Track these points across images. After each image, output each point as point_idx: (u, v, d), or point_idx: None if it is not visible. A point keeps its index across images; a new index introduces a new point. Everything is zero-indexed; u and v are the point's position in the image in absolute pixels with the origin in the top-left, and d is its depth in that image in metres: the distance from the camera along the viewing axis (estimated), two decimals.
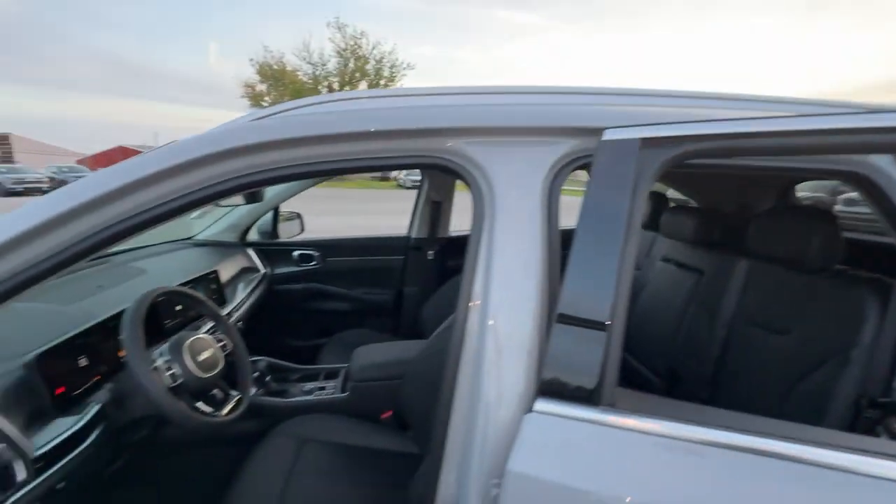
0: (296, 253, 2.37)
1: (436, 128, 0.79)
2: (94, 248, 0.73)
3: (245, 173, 0.76)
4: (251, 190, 0.78)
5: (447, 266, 2.48)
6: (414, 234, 2.41)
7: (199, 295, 1.29)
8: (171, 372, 1.03)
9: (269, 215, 2.37)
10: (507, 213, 0.76)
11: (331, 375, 1.68)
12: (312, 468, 1.22)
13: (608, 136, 0.75)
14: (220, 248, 2.16)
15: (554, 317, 0.71)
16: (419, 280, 2.41)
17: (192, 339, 1.12)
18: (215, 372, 1.14)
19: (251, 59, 25.10)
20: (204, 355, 1.13)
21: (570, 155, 0.78)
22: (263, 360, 1.61)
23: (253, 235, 2.37)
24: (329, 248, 2.40)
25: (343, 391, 1.57)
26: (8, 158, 26.80)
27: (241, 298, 1.89)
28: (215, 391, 1.18)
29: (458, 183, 1.93)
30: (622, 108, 0.79)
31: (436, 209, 2.33)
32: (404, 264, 2.43)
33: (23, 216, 0.70)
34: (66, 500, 0.97)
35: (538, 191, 0.77)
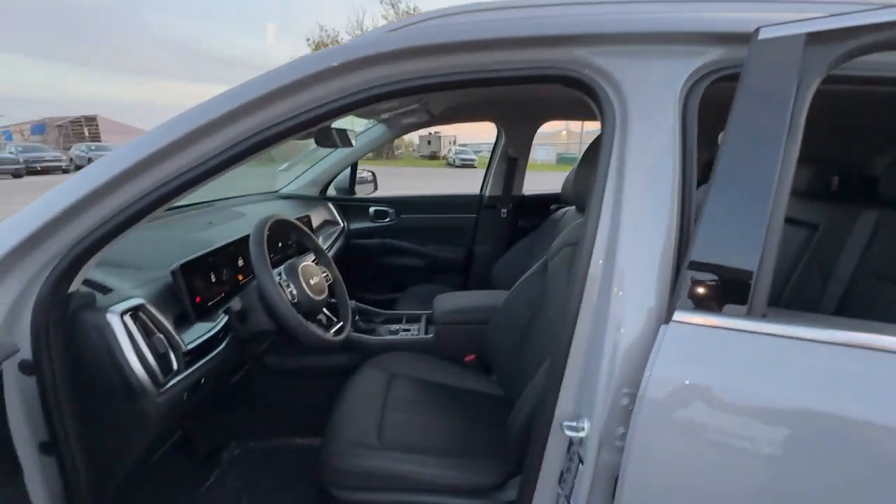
0: (372, 209, 2.44)
1: (565, 35, 0.76)
2: (230, 160, 0.77)
3: (381, 83, 0.77)
4: (383, 101, 0.80)
5: (520, 225, 2.46)
6: (487, 192, 2.39)
7: (306, 229, 1.37)
8: (289, 290, 1.11)
9: (347, 172, 2.45)
10: (641, 130, 0.73)
11: (412, 320, 1.73)
12: (403, 400, 1.27)
13: (765, 34, 0.68)
14: (304, 200, 2.27)
15: (691, 230, 0.68)
16: (491, 238, 2.41)
17: (303, 264, 1.19)
18: (323, 297, 1.20)
19: (308, 39, 25.69)
20: (314, 280, 1.20)
21: (713, 65, 0.73)
22: (351, 302, 1.68)
23: (331, 192, 2.46)
24: (403, 205, 2.45)
25: (427, 334, 1.61)
26: (95, 138, 29.45)
27: (325, 248, 1.98)
28: (321, 316, 1.26)
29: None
30: (777, 14, 0.72)
31: (511, 166, 2.30)
32: (476, 222, 2.43)
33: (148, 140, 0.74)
34: (202, 398, 1.08)
35: (675, 107, 0.72)
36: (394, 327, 1.66)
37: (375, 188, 2.68)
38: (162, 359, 0.88)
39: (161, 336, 0.88)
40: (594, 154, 1.10)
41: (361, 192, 2.58)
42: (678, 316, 0.67)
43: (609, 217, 0.75)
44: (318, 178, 2.30)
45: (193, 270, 1.07)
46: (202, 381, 1.00)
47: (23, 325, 0.75)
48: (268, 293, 1.01)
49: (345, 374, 1.44)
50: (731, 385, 0.64)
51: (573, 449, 0.79)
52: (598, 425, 0.72)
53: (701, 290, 0.68)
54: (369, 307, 1.79)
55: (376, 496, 1.03)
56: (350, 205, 2.45)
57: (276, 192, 2.32)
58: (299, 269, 1.16)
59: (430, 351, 1.57)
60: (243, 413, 1.62)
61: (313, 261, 1.33)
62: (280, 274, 1.13)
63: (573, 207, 2.04)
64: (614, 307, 0.72)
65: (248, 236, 1.37)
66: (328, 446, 1.07)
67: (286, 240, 1.52)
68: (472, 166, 23.64)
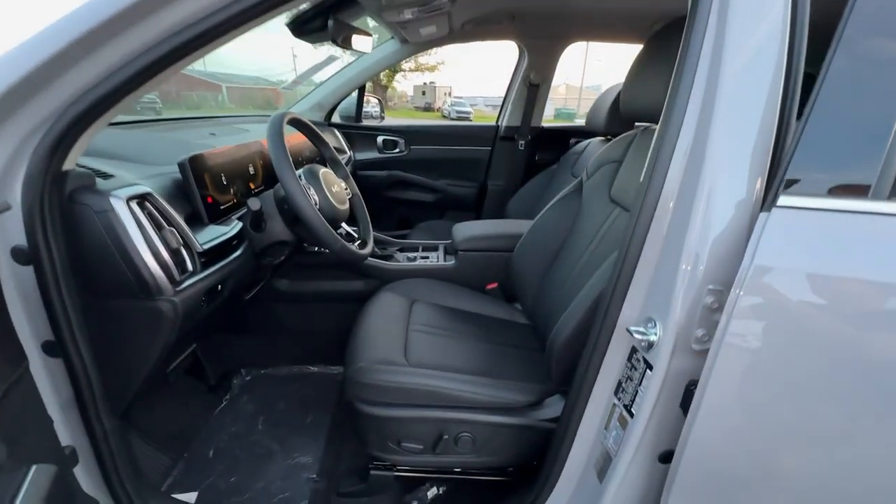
0: (380, 139, 2.28)
1: None
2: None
3: None
4: None
5: (536, 159, 2.33)
6: (504, 123, 2.24)
7: (322, 134, 1.23)
8: (311, 195, 1.00)
9: (353, 99, 2.26)
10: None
11: (429, 249, 1.64)
12: (426, 323, 1.21)
13: None
14: None
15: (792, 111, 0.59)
16: (506, 172, 2.29)
17: (323, 170, 1.07)
18: (344, 208, 1.10)
19: None
20: (335, 188, 1.08)
21: None
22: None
23: (336, 119, 2.29)
24: (414, 135, 2.29)
25: (446, 262, 1.53)
26: None
27: None
28: (341, 230, 1.16)
29: None
30: None
31: (532, 93, 2.14)
32: (491, 155, 2.30)
33: None
34: (219, 308, 1.00)
35: None
36: (411, 255, 1.57)
37: (382, 117, 2.51)
38: (175, 255, 0.78)
39: (173, 230, 0.77)
40: (655, 53, 0.97)
41: (369, 118, 2.41)
42: (783, 201, 0.59)
43: (699, 104, 0.65)
44: (323, 102, 2.13)
45: (203, 167, 0.95)
46: (219, 287, 0.91)
47: (13, 203, 0.64)
48: (292, 192, 0.90)
49: (360, 300, 1.36)
50: (846, 273, 0.57)
51: (636, 356, 0.73)
52: (674, 328, 0.65)
53: (813, 171, 0.59)
54: (383, 235, 1.69)
55: (406, 412, 0.98)
56: (357, 133, 2.29)
57: None
58: (320, 174, 1.04)
59: (451, 279, 1.49)
60: (254, 340, 1.56)
61: None
62: (300, 177, 1.02)
63: (595, 139, 1.91)
64: (699, 202, 0.63)
65: (257, 143, 1.24)
66: (353, 365, 1.01)
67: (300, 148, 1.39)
68: (468, 119, 22.93)
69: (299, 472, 1.20)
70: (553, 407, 1.01)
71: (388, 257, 1.54)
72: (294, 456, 1.25)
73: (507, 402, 0.99)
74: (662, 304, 0.67)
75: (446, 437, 0.98)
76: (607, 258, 1.01)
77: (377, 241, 1.65)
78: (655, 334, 0.68)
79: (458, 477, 1.16)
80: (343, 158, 2.09)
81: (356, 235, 1.18)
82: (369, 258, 1.48)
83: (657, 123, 1.08)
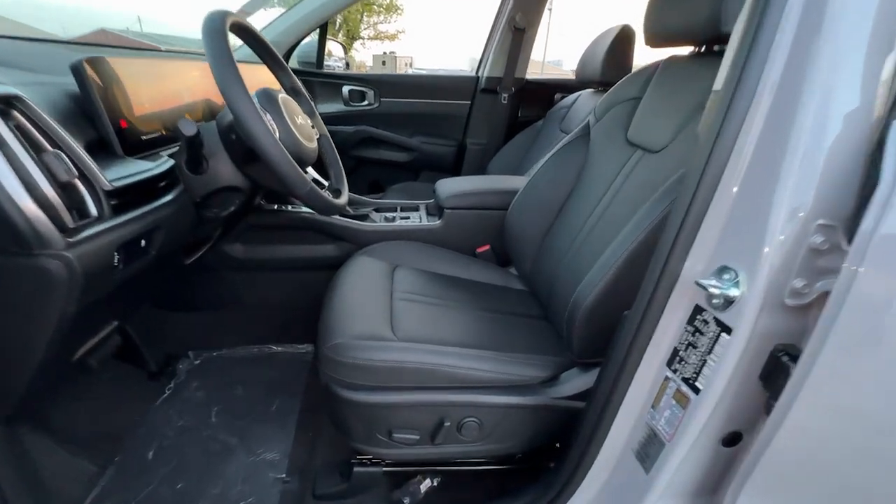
0: (346, 89, 2.01)
1: None
2: None
3: None
4: None
5: (520, 116, 2.14)
6: (485, 73, 2.03)
7: (281, 59, 0.98)
8: (268, 119, 0.76)
9: (313, 42, 1.97)
10: None
11: (408, 209, 1.44)
12: (412, 291, 1.02)
13: None
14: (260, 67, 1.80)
15: None
16: (487, 129, 2.08)
17: (283, 95, 0.83)
18: (312, 147, 0.87)
19: None
20: (299, 119, 0.85)
21: None
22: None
23: (293, 64, 1.99)
24: (386, 86, 2.03)
25: (431, 222, 1.33)
26: None
27: None
28: (309, 175, 0.93)
29: None
30: None
31: (517, 39, 1.92)
32: (471, 109, 2.08)
33: None
34: (145, 276, 0.76)
35: None
36: (389, 215, 1.36)
37: (348, 65, 2.23)
38: (68, 193, 0.54)
39: (60, 154, 0.53)
40: None
41: (333, 65, 2.13)
42: None
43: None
44: (277, 41, 1.82)
45: (111, 77, 0.69)
46: (142, 243, 0.67)
47: None
48: (243, 114, 0.66)
49: (331, 268, 1.15)
50: None
51: (703, 317, 0.57)
52: (764, 277, 0.50)
53: None
54: (355, 194, 1.46)
55: (398, 396, 0.79)
56: (318, 82, 2.00)
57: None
58: (279, 99, 0.81)
59: (436, 241, 1.30)
60: (204, 316, 1.31)
61: None
62: (255, 98, 0.78)
63: (586, 92, 1.74)
64: (806, 108, 0.47)
65: (196, 66, 0.97)
66: (329, 342, 0.81)
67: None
68: None
69: (265, 471, 1.00)
70: (571, 382, 0.85)
71: (363, 217, 1.32)
72: (258, 452, 1.04)
73: (519, 379, 0.83)
74: (747, 248, 0.51)
75: (448, 423, 0.80)
76: (634, 207, 0.85)
77: (350, 202, 1.42)
78: (737, 287, 0.52)
79: (455, 468, 1.00)
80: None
81: (326, 184, 0.95)
82: (341, 217, 1.25)
83: (694, 44, 0.93)
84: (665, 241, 0.59)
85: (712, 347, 0.56)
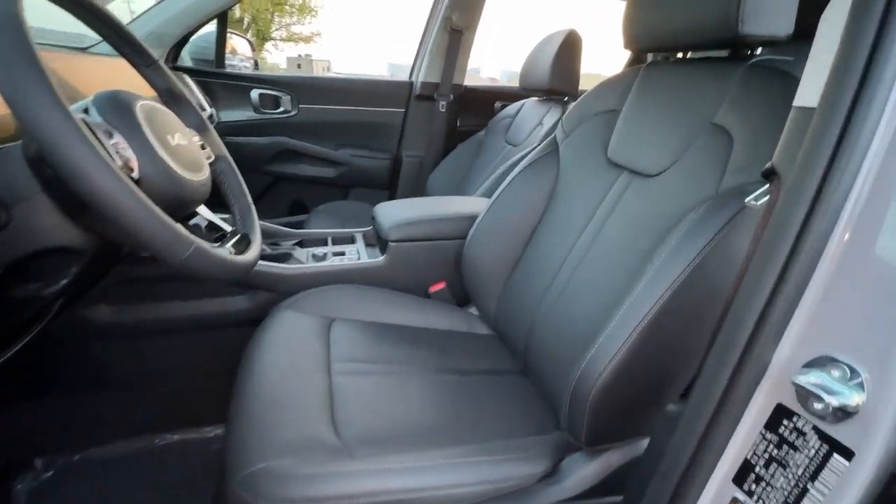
0: (256, 93, 1.68)
1: None
2: None
3: None
4: None
5: (460, 125, 1.96)
6: (420, 78, 1.81)
7: (142, 44, 0.67)
8: (116, 148, 0.47)
9: (211, 34, 1.62)
10: None
11: (342, 241, 1.18)
12: (358, 358, 0.78)
13: None
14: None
15: None
16: (423, 140, 1.87)
17: (142, 102, 0.54)
18: (201, 178, 0.59)
19: None
20: (177, 140, 0.57)
21: None
22: None
23: (186, 62, 1.62)
24: (305, 89, 1.74)
25: (370, 258, 1.09)
26: None
27: None
28: (197, 219, 0.64)
29: None
30: None
31: (455, 41, 1.74)
32: (405, 118, 1.86)
33: None
34: None
35: None
36: (318, 251, 1.08)
37: (256, 65, 1.89)
38: None
39: None
40: None
41: (236, 63, 1.79)
42: None
43: None
44: (161, 32, 1.45)
45: None
46: None
47: None
48: (53, 140, 0.37)
49: (244, 325, 0.87)
50: None
51: (797, 423, 0.41)
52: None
53: None
54: (275, 225, 1.17)
55: None
56: (219, 84, 1.65)
57: (85, 49, 1.40)
58: (136, 107, 0.52)
59: (380, 282, 1.06)
60: (59, 404, 0.94)
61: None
62: (86, 111, 0.49)
63: (529, 101, 1.61)
64: None
65: None
66: (242, 469, 0.54)
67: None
68: None
69: None
70: (577, 474, 0.66)
71: (284, 257, 1.04)
72: None
73: (511, 485, 0.62)
74: (877, 336, 0.35)
75: None
76: (634, 245, 0.69)
77: (266, 234, 1.13)
78: (859, 391, 0.36)
79: None
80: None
81: (228, 228, 0.67)
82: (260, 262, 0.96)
83: (694, 48, 0.79)
84: (738, 316, 0.42)
85: (817, 472, 0.39)
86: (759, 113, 0.60)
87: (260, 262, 0.96)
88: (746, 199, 0.54)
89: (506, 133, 1.61)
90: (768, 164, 0.43)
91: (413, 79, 1.85)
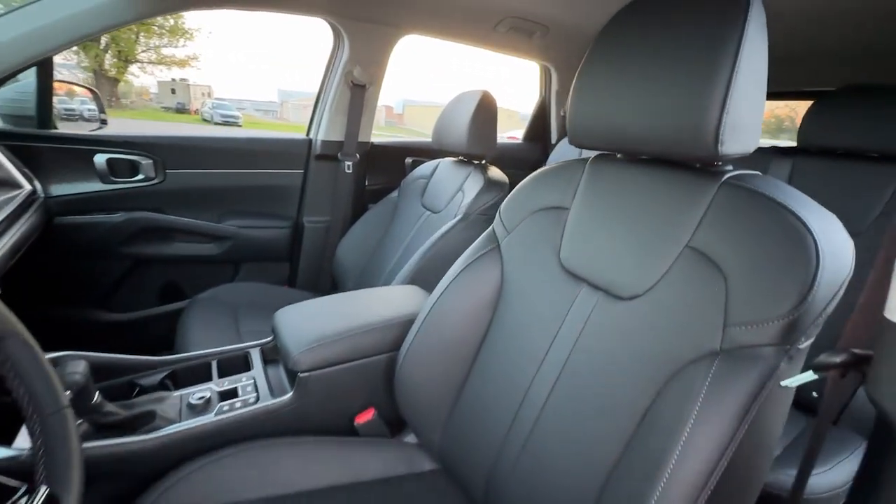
0: (102, 158, 1.31)
1: None
2: None
3: None
4: None
5: (368, 185, 1.76)
6: (320, 136, 1.59)
7: None
8: None
9: (31, 79, 1.22)
10: None
11: (232, 369, 0.90)
12: None
13: None
14: None
15: None
16: (327, 204, 1.64)
17: None
18: None
19: None
20: None
21: None
22: (73, 360, 0.71)
23: None
24: (172, 151, 1.40)
25: (276, 394, 0.83)
26: None
27: None
28: None
29: None
30: None
31: (358, 97, 1.56)
32: (305, 180, 1.61)
33: None
34: None
35: None
36: (196, 395, 0.79)
37: (103, 122, 1.50)
38: None
39: None
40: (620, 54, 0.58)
41: (76, 121, 1.39)
42: None
43: None
44: None
45: None
46: None
47: None
48: None
49: None
50: None
51: None
52: None
53: None
54: (120, 356, 0.85)
55: None
56: (48, 149, 1.25)
57: None
58: None
59: (290, 426, 0.81)
60: None
61: None
62: None
63: (446, 160, 1.50)
64: None
65: None
66: None
67: None
68: (236, 125, 20.20)
69: None
70: None
71: (143, 420, 0.73)
72: None
73: None
74: None
75: None
76: (625, 383, 0.56)
77: (109, 372, 0.81)
78: None
79: None
80: (13, 202, 1.07)
81: (13, 483, 0.38)
82: (96, 442, 0.65)
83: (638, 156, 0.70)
84: None
85: None
86: (750, 246, 0.51)
87: (102, 441, 0.66)
88: (783, 383, 0.44)
89: (422, 196, 1.46)
90: (834, 373, 0.32)
91: (312, 136, 1.61)
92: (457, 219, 1.25)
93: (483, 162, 1.40)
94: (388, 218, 1.56)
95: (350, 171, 1.60)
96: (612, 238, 0.65)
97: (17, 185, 1.11)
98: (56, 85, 1.43)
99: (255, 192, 1.55)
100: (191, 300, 1.33)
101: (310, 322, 0.89)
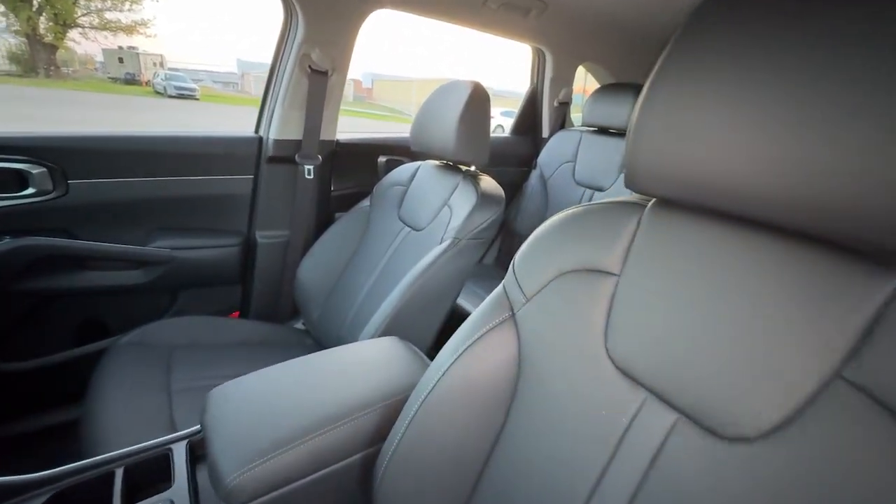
0: None
1: None
2: None
3: None
4: None
5: (334, 191, 1.49)
6: (272, 135, 1.30)
7: None
8: None
9: None
10: None
11: (145, 480, 0.66)
12: None
13: None
14: None
15: None
16: (287, 216, 1.37)
17: None
18: None
19: None
20: None
21: None
22: None
23: None
24: (77, 155, 1.09)
25: None
26: None
27: None
28: None
29: None
30: None
31: (318, 85, 1.26)
32: (255, 187, 1.33)
33: None
34: None
35: None
36: None
37: None
38: None
39: None
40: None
41: None
42: None
43: None
44: None
45: None
46: None
47: None
48: None
49: None
50: None
51: None
52: None
53: None
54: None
55: None
56: None
57: None
58: None
59: None
60: None
61: None
62: None
63: (429, 163, 1.25)
64: None
65: None
66: None
67: None
68: (193, 98, 18.83)
69: None
70: None
71: None
72: None
73: None
74: None
75: None
76: None
77: None
78: None
79: None
80: None
81: None
82: None
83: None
84: None
85: None
86: None
87: None
88: None
89: (399, 207, 1.22)
90: None
91: (262, 134, 1.32)
92: (444, 245, 1.01)
93: (473, 169, 1.16)
94: (358, 231, 1.30)
95: (311, 177, 1.32)
96: (694, 334, 0.43)
97: None
98: None
99: (192, 203, 1.26)
100: (108, 347, 1.05)
101: (253, 417, 0.64)
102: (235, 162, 1.28)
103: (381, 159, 1.57)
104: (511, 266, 0.61)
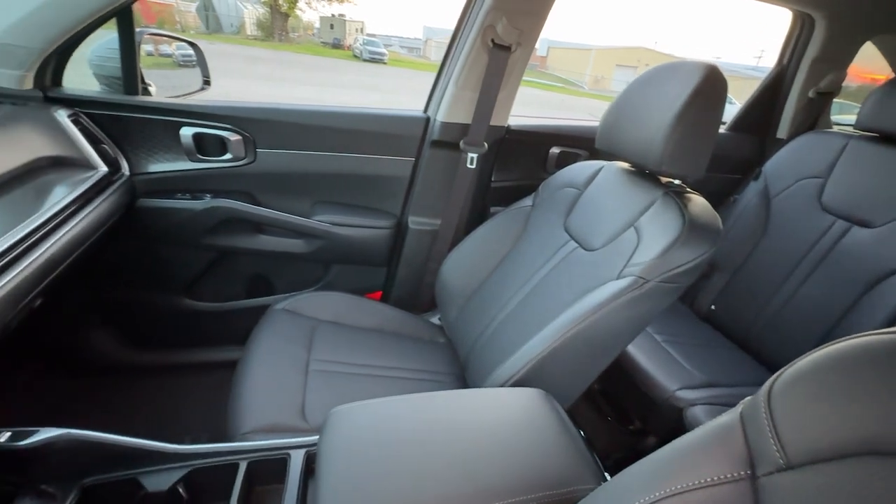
0: (188, 132, 1.10)
1: None
2: None
3: None
4: None
5: (494, 182, 1.34)
6: (440, 117, 1.19)
7: None
8: None
9: (112, 36, 1.03)
10: None
11: (263, 476, 0.64)
12: None
13: None
14: None
15: None
16: (441, 204, 1.27)
17: None
18: None
19: None
20: None
21: None
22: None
23: (73, 83, 1.05)
24: (265, 127, 1.15)
25: None
26: None
27: (27, 237, 0.69)
28: None
29: None
30: None
31: (499, 63, 1.10)
32: (414, 172, 1.26)
33: None
34: None
35: None
36: None
37: (206, 82, 1.30)
38: None
39: None
40: None
41: (169, 84, 1.21)
42: None
43: None
44: (28, 32, 0.88)
45: None
46: None
47: None
48: None
49: None
50: None
51: None
52: None
53: None
54: (127, 444, 0.63)
55: None
56: (132, 119, 1.08)
57: None
58: None
59: None
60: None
61: None
62: None
63: (615, 164, 0.99)
64: None
65: None
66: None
67: None
68: (382, 62, 20.70)
69: None
70: None
71: None
72: None
73: None
74: None
75: None
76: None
77: (104, 457, 0.60)
78: None
79: None
80: (85, 183, 0.90)
81: None
82: None
83: None
84: None
85: None
86: None
87: None
88: None
89: (567, 214, 1.00)
90: None
91: (430, 114, 1.22)
92: (624, 283, 0.77)
93: (677, 183, 0.87)
94: (514, 233, 1.13)
95: (473, 166, 1.19)
96: None
97: (90, 167, 0.95)
98: (155, 38, 1.25)
99: (355, 181, 1.25)
100: (268, 311, 1.11)
101: (370, 467, 0.56)
102: (400, 142, 1.22)
103: (554, 150, 1.35)
104: (766, 395, 0.36)
